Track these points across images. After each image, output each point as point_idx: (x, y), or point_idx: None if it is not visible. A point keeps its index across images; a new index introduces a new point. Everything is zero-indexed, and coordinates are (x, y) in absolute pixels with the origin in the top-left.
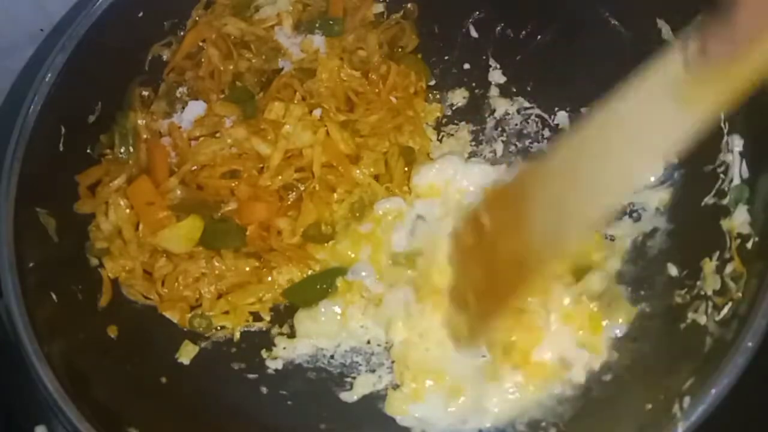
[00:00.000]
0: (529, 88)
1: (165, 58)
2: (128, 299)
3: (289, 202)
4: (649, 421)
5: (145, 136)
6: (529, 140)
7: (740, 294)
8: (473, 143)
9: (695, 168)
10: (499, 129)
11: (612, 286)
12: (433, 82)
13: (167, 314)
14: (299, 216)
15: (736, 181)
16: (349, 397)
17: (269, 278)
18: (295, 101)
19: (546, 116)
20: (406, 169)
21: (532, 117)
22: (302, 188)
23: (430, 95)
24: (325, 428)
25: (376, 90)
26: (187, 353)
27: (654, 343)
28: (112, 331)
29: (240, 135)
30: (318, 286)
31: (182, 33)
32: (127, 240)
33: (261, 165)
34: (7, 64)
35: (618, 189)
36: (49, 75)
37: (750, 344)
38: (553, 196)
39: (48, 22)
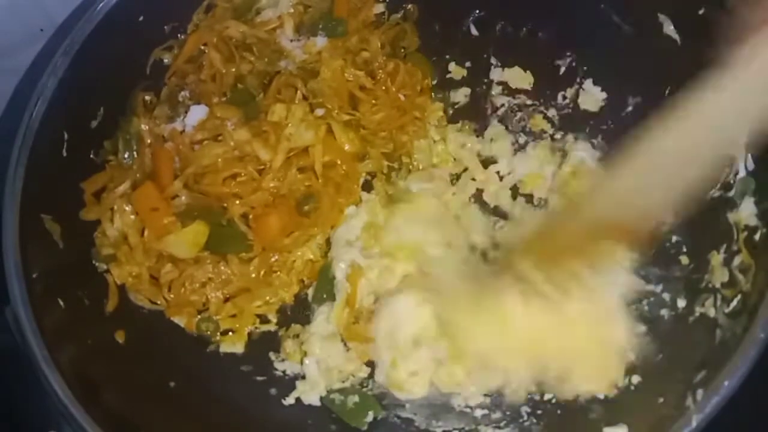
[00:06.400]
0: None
1: (166, 62)
2: (135, 304)
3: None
4: (663, 414)
5: (148, 141)
6: (532, 137)
7: (749, 286)
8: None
9: None
10: (502, 126)
11: None
12: (434, 81)
13: (174, 319)
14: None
15: (742, 173)
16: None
17: (276, 282)
18: (296, 101)
19: (548, 113)
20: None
21: (535, 114)
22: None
23: (432, 94)
24: (335, 429)
25: (383, 87)
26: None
27: (664, 337)
28: (120, 336)
29: (242, 137)
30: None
31: (183, 36)
32: (133, 246)
33: (262, 167)
34: (6, 64)
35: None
36: (51, 81)
37: (762, 335)
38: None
39: (48, 23)
